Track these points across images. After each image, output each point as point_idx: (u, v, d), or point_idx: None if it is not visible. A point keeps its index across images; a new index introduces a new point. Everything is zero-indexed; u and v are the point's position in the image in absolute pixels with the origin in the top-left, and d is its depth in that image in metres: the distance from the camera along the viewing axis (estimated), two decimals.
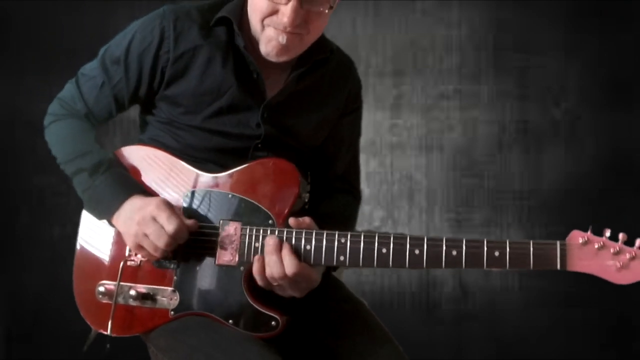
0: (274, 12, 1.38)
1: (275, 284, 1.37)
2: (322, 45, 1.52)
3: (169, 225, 1.34)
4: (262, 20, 1.40)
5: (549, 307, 2.84)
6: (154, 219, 1.35)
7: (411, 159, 2.95)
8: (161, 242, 1.35)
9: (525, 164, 2.92)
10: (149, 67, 1.46)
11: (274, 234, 1.36)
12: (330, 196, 1.62)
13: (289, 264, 1.34)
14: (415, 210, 2.95)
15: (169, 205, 1.38)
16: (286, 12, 1.36)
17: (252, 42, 1.47)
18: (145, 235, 1.36)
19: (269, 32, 1.40)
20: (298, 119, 1.53)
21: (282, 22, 1.37)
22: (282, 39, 1.39)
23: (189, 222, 1.38)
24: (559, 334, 2.87)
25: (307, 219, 1.38)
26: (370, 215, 2.93)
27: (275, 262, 1.34)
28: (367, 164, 2.91)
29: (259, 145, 1.50)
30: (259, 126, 1.49)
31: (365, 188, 2.91)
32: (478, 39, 2.91)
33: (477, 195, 2.93)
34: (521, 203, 2.92)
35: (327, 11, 1.41)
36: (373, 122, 2.90)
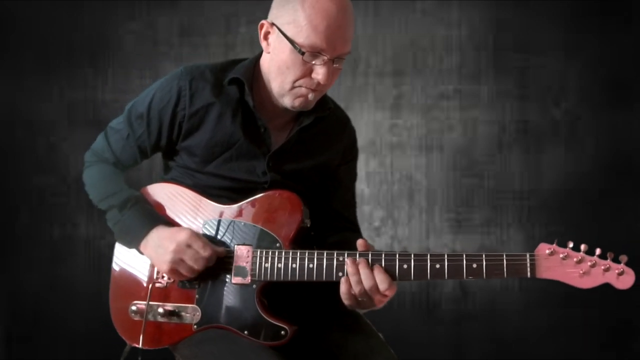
0: (307, 74, 1.56)
1: (360, 299, 1.52)
2: (323, 102, 1.69)
3: (205, 251, 1.55)
4: (294, 82, 1.57)
5: (549, 308, 2.84)
6: (189, 246, 1.55)
7: (411, 159, 2.95)
8: (198, 264, 1.56)
9: (525, 164, 2.92)
10: (168, 122, 1.66)
11: (282, 255, 1.55)
12: (336, 232, 1.78)
13: (381, 280, 1.49)
14: (415, 210, 2.95)
15: (199, 235, 1.58)
16: (321, 72, 1.54)
17: (262, 100, 1.66)
18: (182, 260, 1.55)
19: (300, 90, 1.59)
20: (299, 166, 1.71)
21: (317, 81, 1.56)
22: (312, 95, 1.59)
23: (219, 249, 1.59)
24: (559, 334, 2.87)
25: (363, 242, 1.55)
26: (370, 215, 2.93)
27: (368, 276, 1.49)
28: (367, 164, 2.91)
29: (265, 187, 1.67)
30: (265, 173, 1.67)
31: (365, 188, 2.91)
32: (478, 39, 2.92)
33: (477, 195, 2.93)
34: (521, 203, 2.92)
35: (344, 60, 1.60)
36: (373, 122, 2.90)
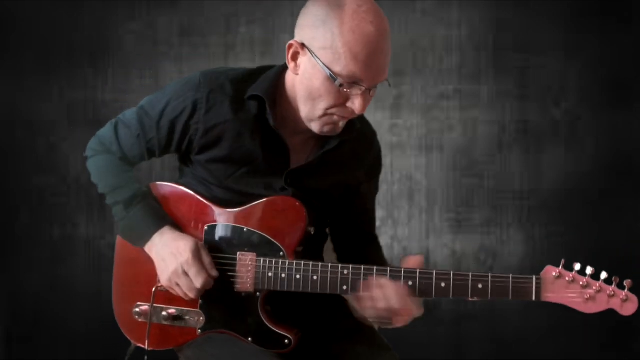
0: (342, 102, 1.46)
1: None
2: (351, 124, 1.58)
3: (198, 281, 1.52)
4: (327, 110, 1.48)
5: (549, 308, 2.82)
6: (185, 274, 1.53)
7: (411, 159, 2.95)
8: (192, 293, 1.54)
9: (525, 164, 2.92)
10: (179, 133, 1.59)
11: (285, 265, 1.53)
12: (357, 244, 1.76)
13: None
14: (415, 210, 2.95)
15: (198, 259, 1.53)
16: (358, 103, 1.45)
17: (284, 116, 1.57)
18: (178, 284, 1.54)
19: (331, 118, 1.50)
20: (318, 183, 1.64)
21: (353, 110, 1.47)
22: (343, 123, 1.52)
23: (215, 273, 1.55)
24: (559, 334, 2.87)
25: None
26: None
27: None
28: None
29: None
30: (283, 189, 1.60)
31: None
32: (478, 39, 2.91)
33: (477, 195, 2.93)
34: (521, 203, 2.92)
35: None
36: (373, 122, 2.87)
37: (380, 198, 2.95)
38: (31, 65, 2.92)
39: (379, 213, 2.96)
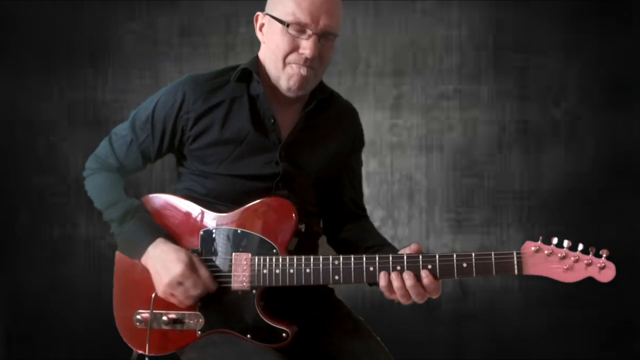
0: (294, 49, 1.63)
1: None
2: (322, 87, 1.77)
3: (195, 290, 1.60)
4: (284, 58, 1.64)
5: (549, 308, 2.84)
6: (180, 284, 1.59)
7: (411, 159, 2.95)
8: (188, 301, 1.61)
9: (525, 164, 2.92)
10: (171, 126, 1.70)
11: (279, 262, 1.59)
12: (349, 218, 1.86)
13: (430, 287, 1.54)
14: (415, 210, 2.95)
15: (193, 271, 1.60)
16: (307, 45, 1.61)
17: (266, 93, 1.70)
18: (173, 295, 1.61)
19: (291, 69, 1.65)
20: (309, 155, 1.74)
21: (304, 55, 1.62)
22: (304, 71, 1.64)
23: (214, 287, 1.61)
24: (559, 334, 2.88)
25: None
26: (370, 215, 2.90)
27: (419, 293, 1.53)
28: (367, 164, 2.89)
29: (280, 184, 1.70)
30: (277, 163, 1.70)
31: (365, 188, 2.90)
32: (478, 39, 2.92)
33: (477, 195, 2.93)
34: (521, 203, 2.92)
35: (334, 42, 1.68)
36: (373, 122, 2.90)
37: (380, 198, 2.98)
38: (31, 65, 2.92)
39: (379, 213, 2.98)
